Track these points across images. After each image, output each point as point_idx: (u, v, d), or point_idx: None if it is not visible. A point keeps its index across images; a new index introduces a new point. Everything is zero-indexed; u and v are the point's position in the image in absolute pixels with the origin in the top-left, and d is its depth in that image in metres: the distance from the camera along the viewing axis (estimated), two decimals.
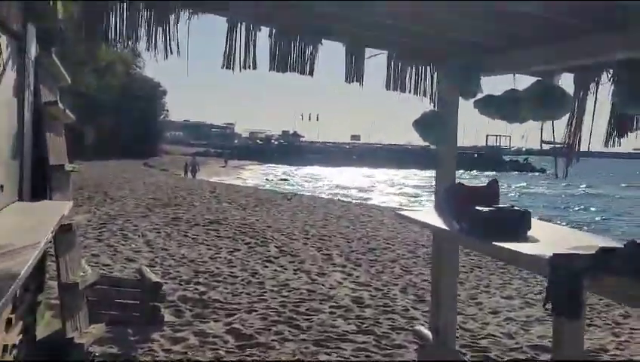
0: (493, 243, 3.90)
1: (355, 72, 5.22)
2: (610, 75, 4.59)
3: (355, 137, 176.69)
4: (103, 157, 52.25)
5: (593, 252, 3.10)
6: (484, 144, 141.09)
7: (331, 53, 5.22)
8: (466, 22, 4.32)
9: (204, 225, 16.27)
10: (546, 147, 5.12)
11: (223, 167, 77.19)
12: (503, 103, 4.77)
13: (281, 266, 11.64)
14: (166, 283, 9.54)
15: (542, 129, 4.91)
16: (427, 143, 5.61)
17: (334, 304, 9.01)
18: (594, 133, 4.81)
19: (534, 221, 4.39)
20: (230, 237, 14.63)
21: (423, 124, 5.32)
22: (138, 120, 64.03)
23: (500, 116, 4.88)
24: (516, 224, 4.20)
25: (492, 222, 4.15)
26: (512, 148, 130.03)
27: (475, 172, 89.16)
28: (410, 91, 5.48)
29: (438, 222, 4.88)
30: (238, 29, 4.90)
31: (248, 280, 10.21)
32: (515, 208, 4.36)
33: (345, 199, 34.35)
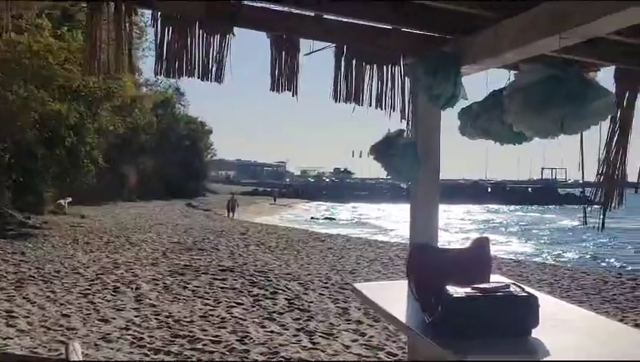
0: (467, 357, 2.15)
1: (285, 75, 3.54)
2: None
3: None
4: (146, 198, 51.53)
5: None
6: (540, 177, 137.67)
7: None
8: None
9: (213, 274, 14.58)
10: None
11: (273, 204, 76.54)
12: (488, 109, 2.97)
13: (282, 325, 9.88)
14: (131, 352, 7.99)
15: (582, 149, 3.19)
16: (392, 178, 3.79)
17: None
18: None
19: (547, 303, 2.63)
20: (236, 288, 12.89)
21: (383, 151, 3.56)
22: (182, 160, 63.09)
23: (486, 133, 3.09)
24: (513, 319, 2.45)
25: (469, 315, 2.40)
26: (569, 181, 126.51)
27: (532, 206, 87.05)
28: (370, 103, 3.76)
29: (400, 307, 3.08)
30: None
31: (232, 346, 8.45)
32: (513, 289, 2.58)
33: (384, 239, 32.32)
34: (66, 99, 22.68)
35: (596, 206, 3.74)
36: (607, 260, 29.64)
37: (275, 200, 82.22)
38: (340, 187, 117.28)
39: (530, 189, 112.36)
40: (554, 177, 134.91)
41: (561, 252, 33.57)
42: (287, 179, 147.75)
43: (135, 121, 36.34)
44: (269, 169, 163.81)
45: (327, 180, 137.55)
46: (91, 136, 25.74)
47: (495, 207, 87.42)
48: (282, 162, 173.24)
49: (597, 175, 3.60)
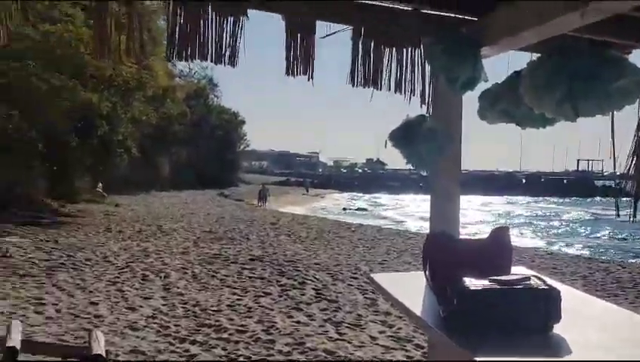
0: (477, 359, 2.01)
1: (300, 57, 3.43)
2: None
3: None
4: (179, 188, 51.87)
5: None
6: (576, 169, 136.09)
7: None
8: None
9: (242, 263, 14.55)
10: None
11: (305, 194, 76.77)
12: (510, 91, 2.84)
13: (309, 316, 9.79)
14: (156, 341, 7.94)
15: (613, 136, 3.04)
16: (412, 167, 3.63)
17: None
18: None
19: (571, 296, 2.50)
20: (265, 278, 12.83)
21: (403, 138, 3.42)
22: (216, 150, 63.41)
23: (507, 116, 2.96)
24: (532, 313, 2.31)
25: (485, 309, 2.26)
26: (605, 173, 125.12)
27: (564, 199, 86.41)
28: (389, 88, 3.62)
29: (416, 299, 2.95)
30: None
31: (258, 336, 8.38)
32: (534, 282, 2.43)
33: (413, 230, 32.03)
34: (98, 89, 22.82)
35: (627, 198, 3.60)
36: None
37: (307, 191, 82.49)
38: (372, 178, 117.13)
39: (565, 181, 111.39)
40: (590, 169, 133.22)
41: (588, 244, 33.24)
42: (320, 170, 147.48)
43: (168, 111, 36.51)
44: (302, 159, 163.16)
45: (360, 171, 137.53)
46: (124, 125, 25.83)
47: (528, 199, 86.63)
48: (315, 152, 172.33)
49: (627, 164, 3.42)
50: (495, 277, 2.42)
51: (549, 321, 2.34)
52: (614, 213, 3.82)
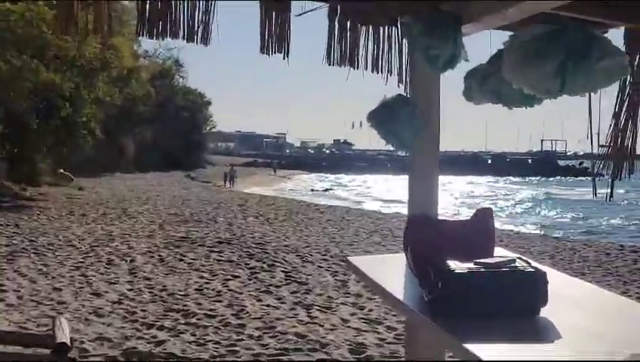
0: (464, 344, 1.96)
1: (275, 35, 3.34)
2: None
3: None
4: (145, 170, 51.51)
5: None
6: (540, 149, 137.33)
7: None
8: None
9: (210, 247, 14.42)
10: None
11: (272, 175, 76.82)
12: (497, 69, 2.78)
13: (279, 299, 9.70)
14: (122, 327, 7.80)
15: (591, 120, 3.01)
16: (391, 147, 3.54)
17: (325, 356, 7.05)
18: None
19: (555, 278, 2.46)
20: (233, 261, 12.73)
21: (380, 118, 3.34)
22: (181, 131, 62.89)
23: (495, 95, 2.91)
24: (519, 296, 2.26)
25: (471, 292, 2.21)
26: (569, 153, 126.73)
27: (527, 178, 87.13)
28: (366, 67, 3.55)
29: (397, 283, 2.89)
30: None
31: (227, 321, 8.27)
32: (519, 264, 2.38)
33: (383, 211, 32.12)
34: (61, 70, 22.45)
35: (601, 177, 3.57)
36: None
37: (274, 172, 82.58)
38: (339, 158, 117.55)
39: (530, 161, 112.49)
40: (554, 149, 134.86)
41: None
42: (288, 151, 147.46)
43: (133, 92, 36.10)
44: (269, 140, 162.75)
45: (327, 151, 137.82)
46: (88, 106, 25.43)
47: (490, 178, 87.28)
48: (282, 133, 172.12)
49: (606, 142, 3.39)
50: (480, 260, 2.36)
51: (536, 304, 2.30)
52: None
